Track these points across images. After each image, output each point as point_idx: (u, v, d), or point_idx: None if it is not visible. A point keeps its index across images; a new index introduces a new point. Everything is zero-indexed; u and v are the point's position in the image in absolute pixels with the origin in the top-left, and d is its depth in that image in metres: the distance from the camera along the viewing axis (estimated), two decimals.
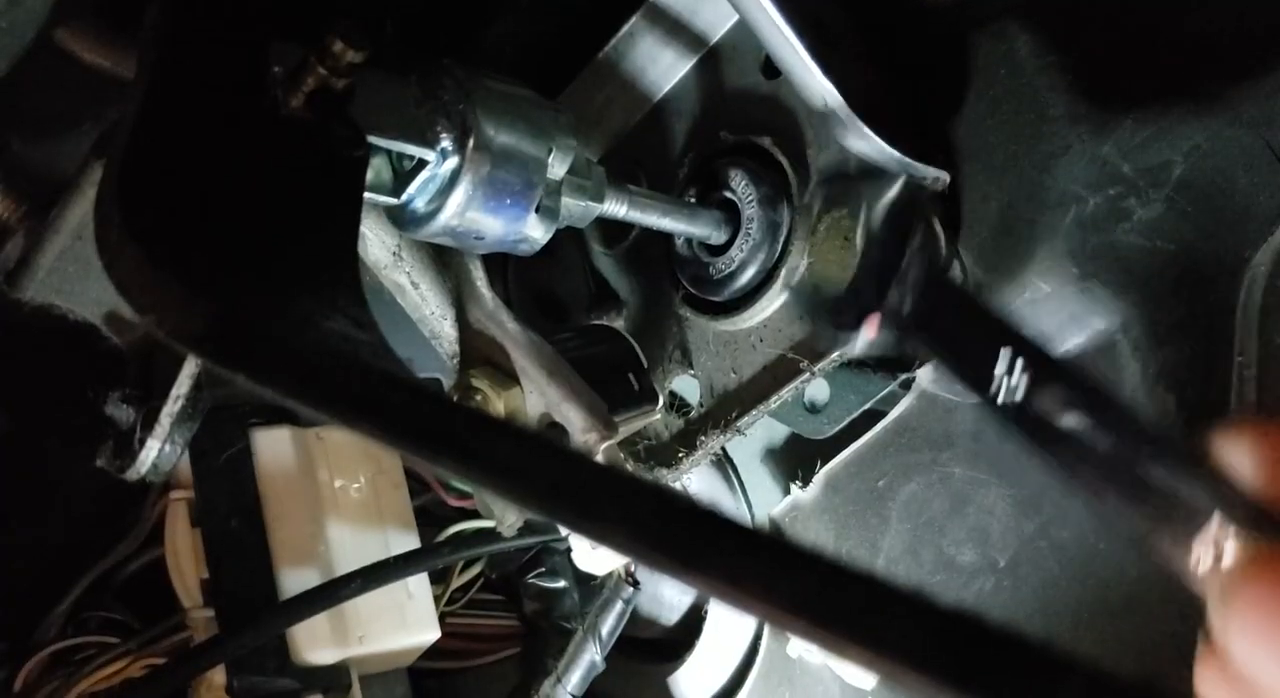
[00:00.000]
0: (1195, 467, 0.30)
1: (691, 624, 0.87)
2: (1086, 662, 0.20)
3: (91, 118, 0.59)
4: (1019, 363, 0.35)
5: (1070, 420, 0.34)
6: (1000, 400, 0.36)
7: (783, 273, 0.60)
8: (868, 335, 0.45)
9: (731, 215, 0.62)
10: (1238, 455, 0.28)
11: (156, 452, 0.56)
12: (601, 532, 0.23)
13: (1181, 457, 0.30)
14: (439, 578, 0.95)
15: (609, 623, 0.80)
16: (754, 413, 0.63)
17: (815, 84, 0.51)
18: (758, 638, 0.80)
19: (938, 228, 0.47)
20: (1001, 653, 0.20)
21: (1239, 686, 0.27)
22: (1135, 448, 0.32)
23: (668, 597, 0.90)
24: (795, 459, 0.74)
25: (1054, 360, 0.36)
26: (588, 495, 0.23)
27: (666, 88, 0.67)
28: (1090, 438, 0.33)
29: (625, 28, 0.64)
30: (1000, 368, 0.36)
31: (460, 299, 0.65)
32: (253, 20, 0.47)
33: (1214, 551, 0.29)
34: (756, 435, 0.79)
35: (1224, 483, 0.28)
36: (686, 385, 0.69)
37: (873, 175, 0.52)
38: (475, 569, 0.98)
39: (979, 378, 0.36)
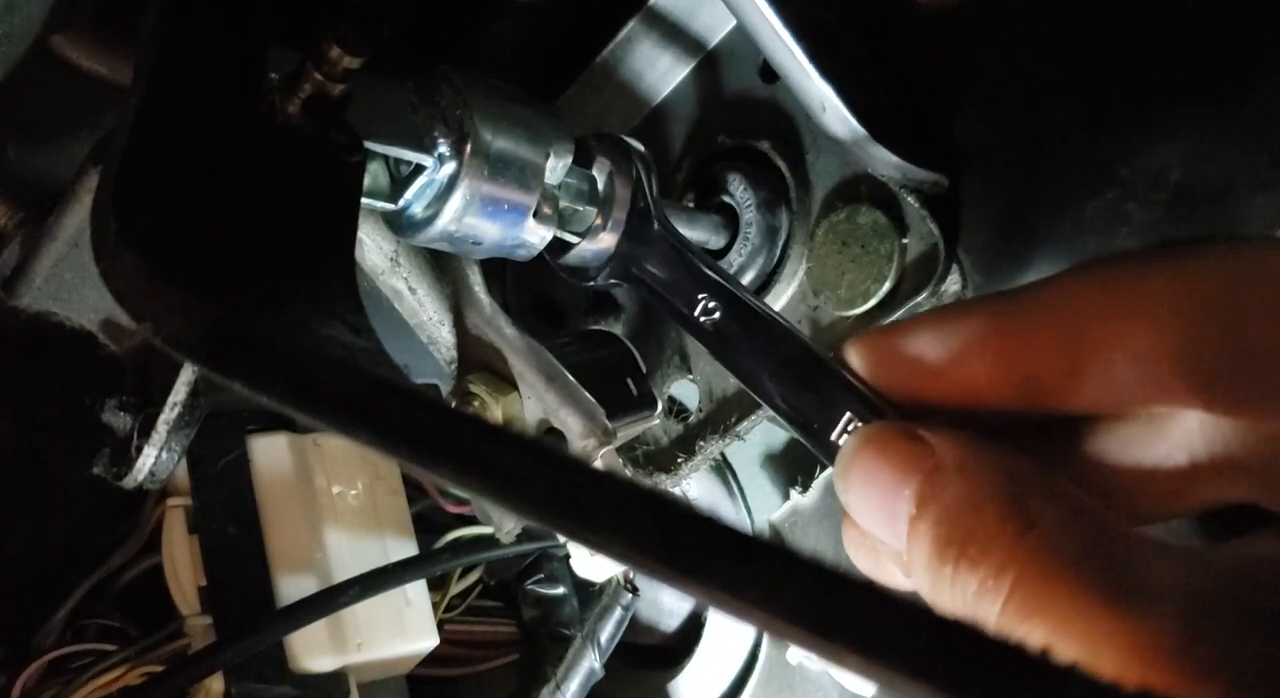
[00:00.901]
0: (831, 372, 0.39)
1: (691, 631, 0.87)
2: (1085, 668, 0.20)
3: (88, 125, 0.59)
4: (713, 303, 0.47)
5: (749, 341, 0.45)
6: (701, 328, 0.48)
7: (781, 277, 0.60)
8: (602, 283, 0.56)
9: (730, 220, 0.61)
10: (855, 360, 0.36)
11: (153, 459, 0.56)
12: (599, 540, 0.23)
13: (824, 365, 0.39)
14: (437, 585, 0.95)
15: (608, 630, 0.80)
16: (753, 418, 0.63)
17: (813, 87, 0.51)
18: (757, 645, 0.80)
19: (651, 201, 0.54)
20: (1001, 660, 0.20)
21: (864, 542, 0.34)
22: (793, 359, 0.42)
23: (667, 603, 0.90)
24: (795, 465, 0.74)
25: (739, 300, 0.46)
26: (585, 503, 0.23)
27: (664, 92, 0.67)
28: (762, 354, 0.44)
29: (623, 32, 0.64)
30: (698, 308, 0.48)
31: (458, 305, 0.65)
32: (249, 26, 0.47)
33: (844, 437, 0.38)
34: (756, 441, 0.79)
35: (848, 383, 0.37)
36: (685, 390, 0.68)
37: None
38: (473, 576, 0.99)
39: (683, 314, 0.49)
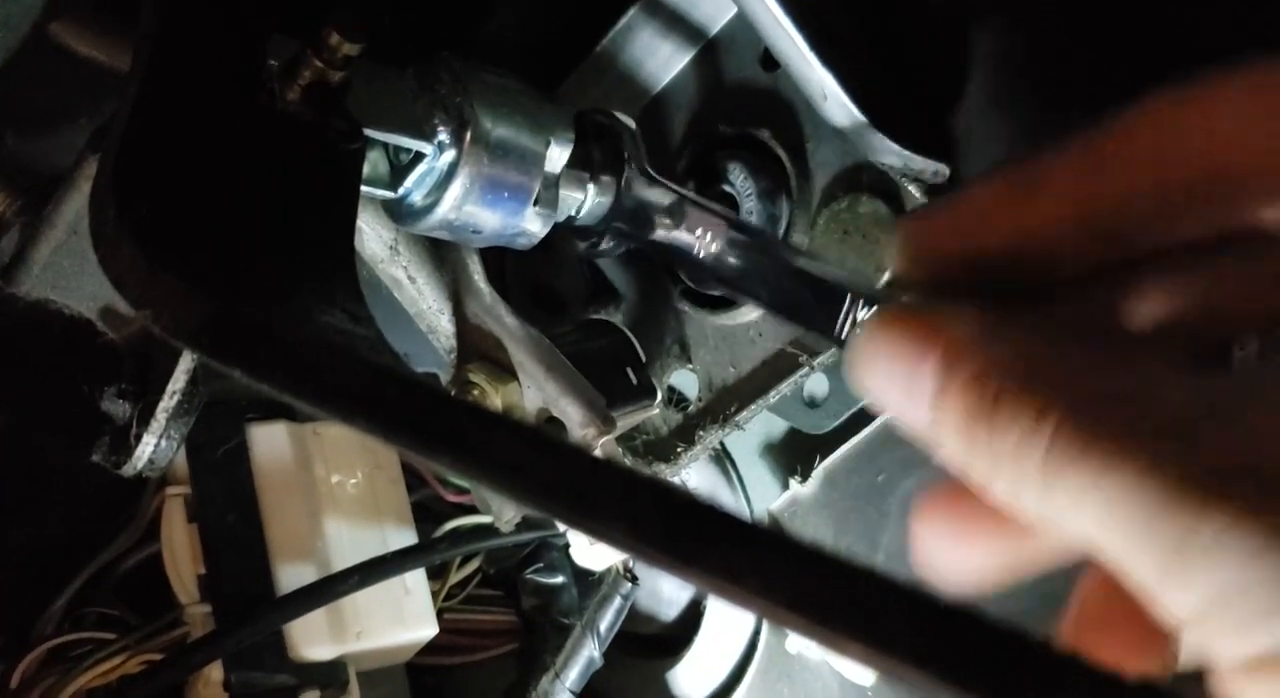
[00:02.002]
0: (826, 280, 0.43)
1: (690, 620, 0.87)
2: (1088, 657, 0.20)
3: (87, 112, 0.59)
4: (709, 235, 0.51)
5: (746, 263, 0.49)
6: (702, 264, 0.51)
7: None
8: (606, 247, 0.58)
9: (730, 208, 0.61)
10: (915, 224, 0.34)
11: (153, 447, 0.56)
12: (599, 527, 0.23)
13: (815, 277, 0.44)
14: (436, 574, 0.94)
15: (607, 619, 0.80)
16: (753, 408, 0.63)
17: (814, 76, 0.51)
18: (756, 634, 0.80)
19: (633, 160, 0.57)
20: (1003, 649, 0.20)
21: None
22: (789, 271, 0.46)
23: (666, 592, 0.90)
24: (794, 454, 0.74)
25: (730, 225, 0.51)
26: (585, 491, 0.23)
27: (665, 80, 0.66)
28: (757, 273, 0.48)
29: (623, 20, 0.64)
30: (697, 247, 0.52)
31: (458, 293, 0.65)
32: (249, 13, 0.46)
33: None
34: (755, 430, 0.79)
35: (844, 284, 0.41)
36: (685, 380, 0.68)
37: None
38: (473, 565, 0.98)
39: (687, 257, 0.52)
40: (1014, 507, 0.27)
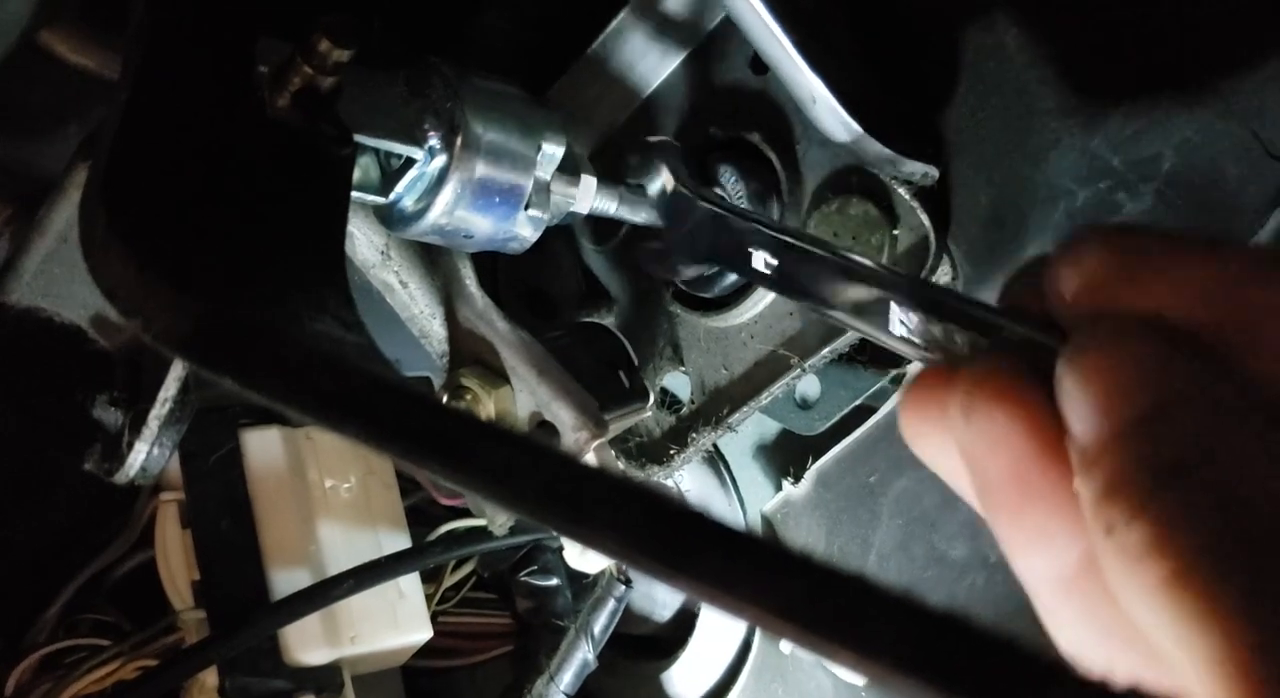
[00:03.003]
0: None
1: (684, 622, 0.87)
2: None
3: (76, 119, 0.59)
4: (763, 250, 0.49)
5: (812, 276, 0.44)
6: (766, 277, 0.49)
7: None
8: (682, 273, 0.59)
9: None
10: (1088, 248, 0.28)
11: (145, 454, 0.56)
12: (591, 536, 0.23)
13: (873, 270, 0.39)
14: (431, 577, 0.94)
15: (601, 621, 0.80)
16: (745, 409, 0.63)
17: (803, 79, 0.51)
18: (750, 634, 0.80)
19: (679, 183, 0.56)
20: (992, 656, 0.20)
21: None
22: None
23: (660, 594, 0.90)
24: (787, 455, 0.74)
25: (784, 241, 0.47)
26: (576, 499, 0.23)
27: (655, 84, 0.66)
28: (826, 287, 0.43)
29: (614, 24, 0.64)
30: (755, 260, 0.49)
31: (449, 298, 0.65)
32: (238, 19, 0.46)
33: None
34: (748, 432, 0.79)
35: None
36: (677, 382, 0.68)
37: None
38: (467, 568, 0.98)
39: (746, 269, 0.50)
40: (1118, 582, 0.24)
